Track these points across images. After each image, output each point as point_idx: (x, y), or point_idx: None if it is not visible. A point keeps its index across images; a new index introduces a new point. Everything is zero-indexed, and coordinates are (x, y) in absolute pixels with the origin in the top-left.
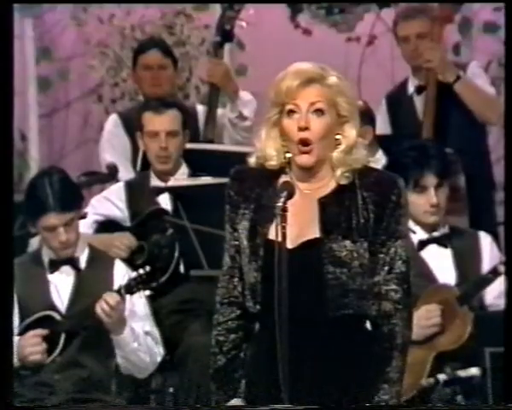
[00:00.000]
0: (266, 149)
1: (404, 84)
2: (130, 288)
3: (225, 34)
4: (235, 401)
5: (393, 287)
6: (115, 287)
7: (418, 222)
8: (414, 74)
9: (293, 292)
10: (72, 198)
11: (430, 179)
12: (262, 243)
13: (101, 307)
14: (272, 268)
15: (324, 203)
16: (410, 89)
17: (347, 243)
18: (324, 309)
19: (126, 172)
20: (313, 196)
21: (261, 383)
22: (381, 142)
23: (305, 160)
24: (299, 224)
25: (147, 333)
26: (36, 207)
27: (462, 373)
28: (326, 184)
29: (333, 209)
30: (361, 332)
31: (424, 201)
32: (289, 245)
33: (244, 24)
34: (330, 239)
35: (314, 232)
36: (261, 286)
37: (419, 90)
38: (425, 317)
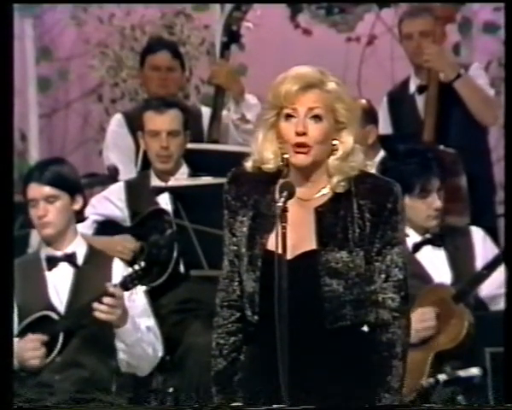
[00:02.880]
0: (263, 152)
1: (405, 83)
2: (126, 284)
3: (232, 35)
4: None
5: (390, 295)
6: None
7: (418, 227)
8: (416, 73)
9: (291, 303)
10: (60, 178)
11: (434, 183)
12: (261, 253)
13: (100, 308)
14: (271, 278)
15: (321, 213)
16: (412, 88)
17: (344, 254)
18: (322, 321)
19: (130, 172)
20: (309, 204)
21: (261, 386)
22: (382, 142)
23: (301, 159)
24: (295, 233)
25: (148, 328)
26: (25, 179)
27: (462, 373)
28: (322, 191)
29: (329, 220)
30: (359, 342)
31: (427, 206)
32: (286, 256)
33: (251, 25)
34: (327, 251)
35: (310, 244)
36: (259, 296)
37: (420, 89)
38: (419, 320)
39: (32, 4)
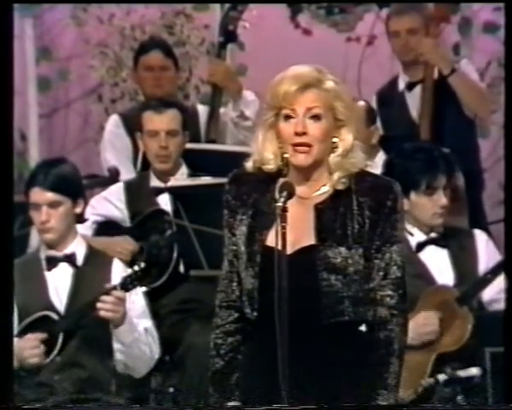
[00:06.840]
0: (264, 152)
1: (394, 81)
2: (126, 285)
3: (228, 35)
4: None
5: (389, 292)
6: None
7: (424, 225)
8: (404, 71)
9: (289, 298)
10: (63, 183)
11: (440, 181)
12: (259, 249)
13: (104, 307)
14: (269, 274)
15: (320, 210)
16: (401, 85)
17: (342, 249)
18: (319, 316)
19: (127, 173)
20: (309, 201)
21: (259, 384)
22: (381, 142)
23: (302, 159)
24: (295, 230)
25: (146, 330)
26: (28, 181)
27: (462, 373)
28: (322, 189)
29: (328, 216)
30: (357, 339)
31: (433, 203)
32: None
33: (247, 24)
34: (325, 246)
35: (309, 239)
36: (258, 293)
37: (410, 86)
38: (422, 324)
39: (32, 4)
